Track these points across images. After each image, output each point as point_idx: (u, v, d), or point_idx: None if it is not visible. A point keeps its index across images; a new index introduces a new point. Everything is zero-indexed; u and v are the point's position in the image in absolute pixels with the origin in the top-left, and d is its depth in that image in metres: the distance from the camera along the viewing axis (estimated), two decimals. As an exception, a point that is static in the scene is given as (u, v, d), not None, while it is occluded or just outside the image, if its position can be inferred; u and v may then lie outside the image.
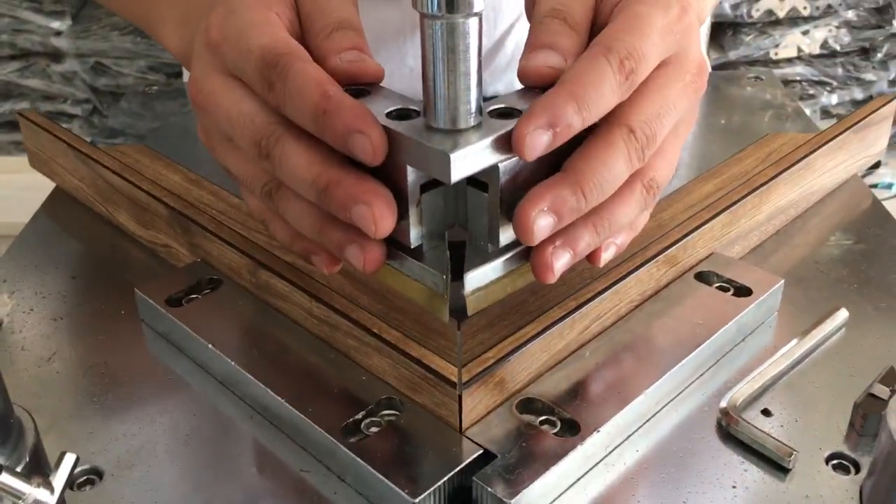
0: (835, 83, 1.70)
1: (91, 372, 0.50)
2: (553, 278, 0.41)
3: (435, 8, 0.36)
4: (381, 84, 0.43)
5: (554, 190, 0.40)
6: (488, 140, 0.39)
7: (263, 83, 0.41)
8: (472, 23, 0.37)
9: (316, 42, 0.43)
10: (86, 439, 0.45)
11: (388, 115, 0.40)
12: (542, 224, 0.39)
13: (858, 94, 1.69)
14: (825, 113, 1.73)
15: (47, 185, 0.71)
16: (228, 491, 0.42)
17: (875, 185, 1.69)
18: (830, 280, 0.56)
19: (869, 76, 1.68)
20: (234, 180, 0.46)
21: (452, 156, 0.37)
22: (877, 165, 1.74)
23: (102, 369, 0.50)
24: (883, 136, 0.68)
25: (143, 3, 0.60)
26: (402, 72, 0.78)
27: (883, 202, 0.66)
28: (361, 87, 0.42)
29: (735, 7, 1.67)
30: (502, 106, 0.41)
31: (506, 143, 0.39)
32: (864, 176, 1.70)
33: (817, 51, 1.69)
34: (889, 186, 1.68)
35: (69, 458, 0.37)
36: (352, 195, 0.39)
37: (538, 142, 0.38)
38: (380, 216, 0.39)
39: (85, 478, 0.43)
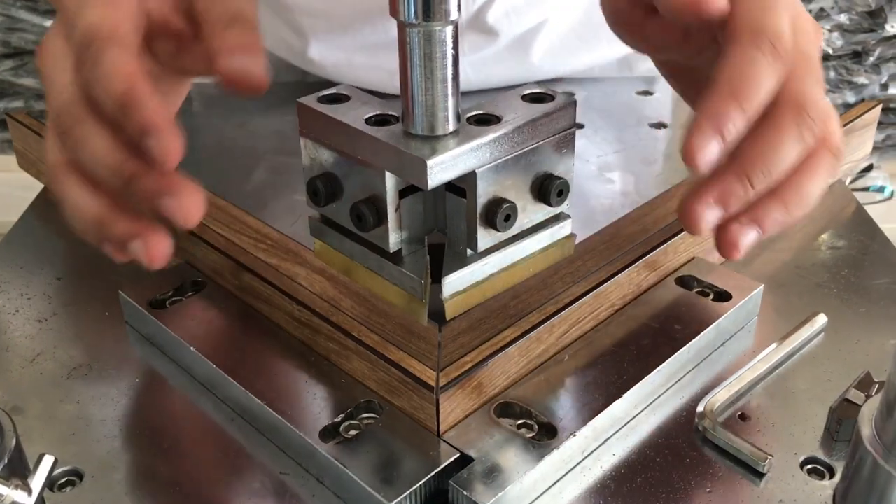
0: (827, 86, 1.70)
1: (75, 373, 0.50)
2: (738, 255, 0.41)
3: (412, 16, 0.37)
4: (359, 88, 0.43)
5: (721, 182, 0.40)
6: (466, 146, 0.39)
7: (77, 61, 0.40)
8: (449, 31, 0.37)
9: (209, 30, 0.41)
10: (67, 441, 0.45)
11: (367, 121, 0.41)
12: (709, 218, 0.40)
13: (850, 98, 1.69)
14: (818, 116, 1.74)
15: (38, 185, 0.71)
16: (208, 493, 0.42)
17: (867, 189, 1.69)
18: (811, 285, 0.57)
19: (861, 80, 1.69)
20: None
21: (429, 162, 0.38)
22: (869, 168, 1.75)
23: (86, 371, 0.50)
24: (867, 141, 0.68)
25: None
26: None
27: (875, 205, 0.66)
28: (340, 93, 0.43)
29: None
30: (480, 112, 0.41)
31: (483, 149, 0.40)
32: (855, 179, 1.71)
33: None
34: (881, 189, 1.69)
35: (47, 460, 0.38)
36: (159, 186, 0.39)
37: (710, 152, 0.38)
38: (189, 206, 0.38)
39: (65, 479, 0.43)
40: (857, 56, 1.69)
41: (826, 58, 1.70)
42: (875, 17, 1.66)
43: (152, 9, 0.42)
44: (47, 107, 0.43)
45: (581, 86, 0.86)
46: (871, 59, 1.67)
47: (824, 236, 0.62)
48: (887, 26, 1.64)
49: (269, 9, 0.84)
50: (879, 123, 1.74)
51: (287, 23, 0.84)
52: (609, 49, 0.87)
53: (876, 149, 1.74)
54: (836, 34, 1.67)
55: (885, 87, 1.68)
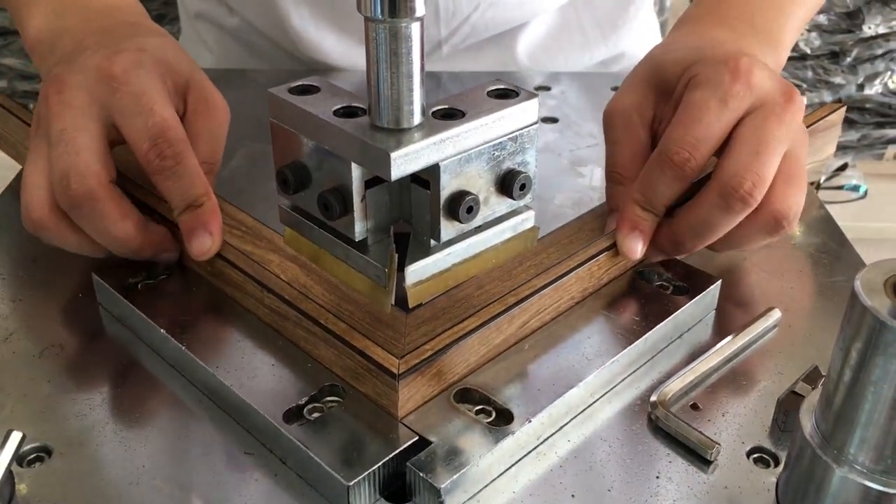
0: (804, 86, 1.72)
1: (47, 353, 0.51)
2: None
3: (378, 12, 0.38)
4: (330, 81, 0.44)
5: (656, 244, 0.53)
6: (430, 140, 0.40)
7: (152, 147, 0.50)
8: (415, 27, 0.38)
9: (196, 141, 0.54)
10: (37, 418, 0.46)
11: (335, 112, 0.42)
12: (640, 251, 0.52)
13: (827, 98, 1.72)
14: (795, 115, 1.76)
15: (16, 165, 0.72)
16: (173, 470, 0.43)
17: (841, 187, 1.72)
18: (769, 281, 0.58)
19: (838, 80, 1.71)
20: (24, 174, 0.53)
21: (393, 155, 0.39)
22: (843, 167, 1.77)
23: (58, 351, 0.51)
24: (831, 142, 0.70)
25: None
26: None
27: (849, 204, 0.68)
28: (311, 84, 0.44)
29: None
30: (445, 107, 0.42)
31: (447, 143, 0.41)
32: (830, 177, 1.74)
33: (788, 54, 1.72)
34: (855, 188, 1.71)
35: (15, 436, 0.39)
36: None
37: (633, 244, 0.51)
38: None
39: (34, 455, 0.44)
40: (835, 56, 1.71)
41: (804, 57, 1.72)
42: (853, 18, 1.67)
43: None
44: (53, 154, 0.50)
45: (556, 80, 0.88)
46: (849, 59, 1.69)
47: (785, 234, 0.64)
48: (865, 27, 1.66)
49: None
50: (855, 123, 1.77)
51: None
52: (582, 55, 0.92)
53: (851, 148, 1.77)
54: (814, 34, 1.69)
55: (861, 87, 1.70)
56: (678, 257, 0.55)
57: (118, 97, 0.51)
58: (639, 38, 0.94)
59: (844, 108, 0.69)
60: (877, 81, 1.71)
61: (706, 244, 0.53)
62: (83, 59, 0.53)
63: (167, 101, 0.53)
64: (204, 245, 0.50)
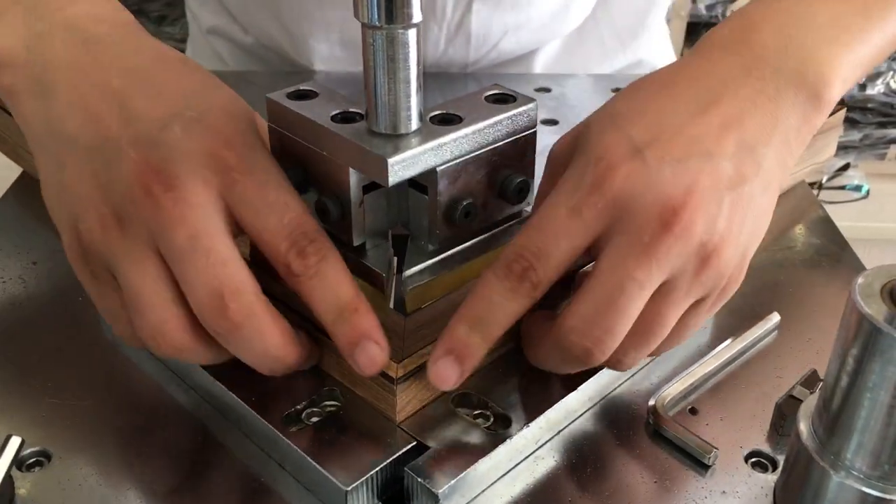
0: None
1: (46, 357, 0.51)
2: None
3: (375, 19, 0.38)
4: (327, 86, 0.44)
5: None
6: (427, 145, 0.40)
7: (292, 246, 0.41)
8: (412, 33, 0.39)
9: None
10: (37, 423, 0.46)
11: (333, 118, 0.42)
12: (453, 382, 0.42)
13: (829, 97, 1.71)
14: (797, 115, 1.76)
15: (17, 166, 0.72)
16: (173, 475, 0.43)
17: (843, 187, 1.71)
18: (769, 285, 0.58)
19: (840, 80, 1.71)
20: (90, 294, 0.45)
21: (390, 160, 0.39)
22: (846, 167, 1.77)
23: (58, 355, 0.51)
24: (831, 144, 0.70)
25: None
26: None
27: (851, 204, 0.68)
28: (309, 90, 0.44)
29: (710, 8, 1.70)
30: (443, 112, 0.42)
31: (444, 149, 0.41)
32: (832, 177, 1.73)
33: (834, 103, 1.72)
34: (858, 188, 1.71)
35: (14, 441, 0.39)
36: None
37: (446, 373, 0.41)
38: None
39: (34, 460, 0.44)
40: (837, 56, 1.71)
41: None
42: (855, 18, 1.67)
43: None
44: (173, 256, 0.40)
45: (557, 82, 0.87)
46: (851, 59, 1.69)
47: (784, 238, 0.64)
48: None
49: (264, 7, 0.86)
50: (857, 123, 1.77)
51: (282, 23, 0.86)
52: (601, 65, 0.93)
53: (853, 148, 1.77)
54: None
55: (863, 87, 1.70)
56: None
57: (240, 189, 0.41)
58: (655, 44, 0.94)
59: (844, 110, 0.69)
60: (879, 81, 1.71)
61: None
62: (170, 137, 0.41)
63: (294, 194, 0.42)
64: (373, 356, 0.41)
